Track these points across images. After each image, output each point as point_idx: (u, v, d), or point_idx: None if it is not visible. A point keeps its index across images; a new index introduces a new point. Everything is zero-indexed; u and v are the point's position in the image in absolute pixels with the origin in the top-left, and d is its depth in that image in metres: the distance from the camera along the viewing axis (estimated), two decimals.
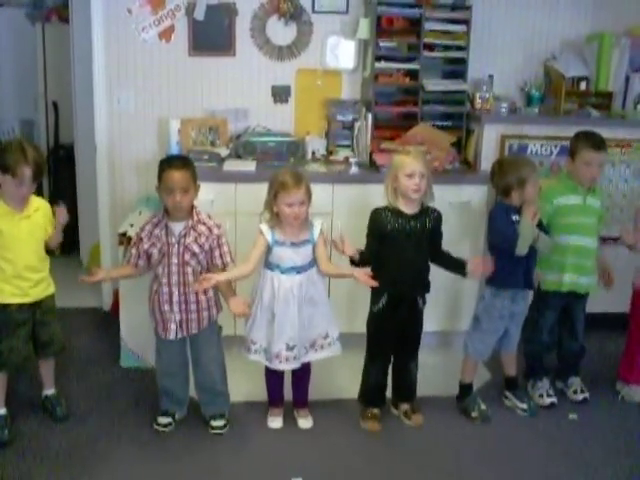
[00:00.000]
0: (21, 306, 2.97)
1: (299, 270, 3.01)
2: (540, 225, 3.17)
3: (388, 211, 3.10)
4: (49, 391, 3.22)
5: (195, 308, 3.00)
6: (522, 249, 3.09)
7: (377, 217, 3.12)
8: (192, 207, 2.98)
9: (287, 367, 3.09)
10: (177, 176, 2.89)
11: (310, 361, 3.15)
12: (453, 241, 3.47)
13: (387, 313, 3.15)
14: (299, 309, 3.01)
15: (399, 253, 3.07)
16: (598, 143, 3.29)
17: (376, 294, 3.15)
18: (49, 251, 3.09)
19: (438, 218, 3.15)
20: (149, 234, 2.98)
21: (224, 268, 3.04)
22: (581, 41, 4.19)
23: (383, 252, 3.10)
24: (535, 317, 3.45)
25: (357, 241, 3.17)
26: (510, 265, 3.17)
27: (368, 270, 3.00)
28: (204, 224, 2.98)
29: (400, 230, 3.07)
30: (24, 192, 2.86)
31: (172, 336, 3.01)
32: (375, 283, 2.97)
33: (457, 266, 3.17)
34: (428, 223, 3.11)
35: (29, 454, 2.91)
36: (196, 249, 2.95)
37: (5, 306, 2.94)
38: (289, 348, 3.03)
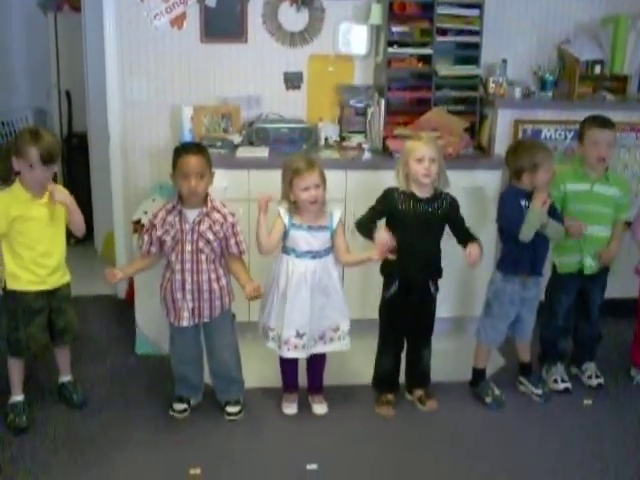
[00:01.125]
0: (38, 294, 2.98)
1: (314, 255, 3.01)
2: (554, 212, 3.15)
3: (401, 192, 3.10)
4: (65, 378, 3.25)
5: (208, 297, 3.00)
6: (526, 235, 3.07)
7: (390, 195, 3.12)
8: (207, 195, 2.99)
9: (295, 355, 3.09)
10: (193, 161, 2.90)
11: (318, 352, 3.15)
12: None
13: (399, 299, 3.15)
14: (311, 296, 3.02)
15: (409, 237, 3.06)
16: (604, 121, 3.29)
17: (388, 280, 3.15)
18: (72, 237, 3.10)
19: (453, 204, 3.14)
20: (162, 221, 2.97)
21: (240, 256, 3.05)
22: (596, 24, 4.13)
23: (393, 236, 3.11)
24: (550, 302, 3.44)
25: None
26: (517, 251, 3.16)
27: (379, 243, 2.97)
28: (219, 211, 2.98)
29: (410, 212, 3.07)
30: (38, 176, 2.85)
31: (185, 323, 3.02)
32: (393, 255, 2.97)
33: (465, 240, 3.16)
34: (440, 208, 3.10)
35: (46, 440, 2.94)
36: (210, 236, 2.95)
37: (23, 294, 2.96)
38: (298, 335, 3.03)
